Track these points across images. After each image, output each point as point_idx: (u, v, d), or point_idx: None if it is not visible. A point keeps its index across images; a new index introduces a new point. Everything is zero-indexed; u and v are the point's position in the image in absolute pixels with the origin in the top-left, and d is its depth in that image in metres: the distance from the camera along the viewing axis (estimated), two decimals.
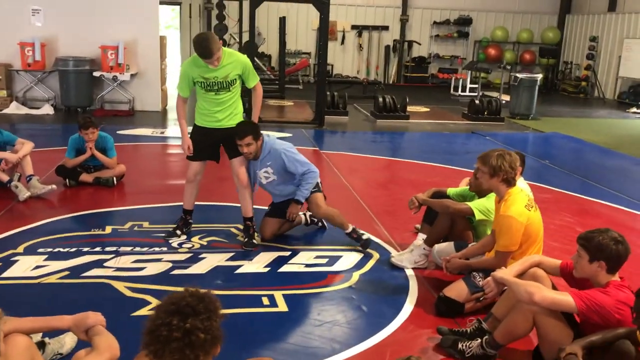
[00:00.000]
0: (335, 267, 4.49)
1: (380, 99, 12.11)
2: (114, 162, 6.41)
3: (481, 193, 4.43)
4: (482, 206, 4.31)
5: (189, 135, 4.86)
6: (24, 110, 11.07)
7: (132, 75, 11.42)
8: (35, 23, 11.19)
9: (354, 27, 19.80)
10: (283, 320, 3.68)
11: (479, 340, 3.26)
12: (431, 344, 3.47)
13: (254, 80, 4.74)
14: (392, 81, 19.90)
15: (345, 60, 19.96)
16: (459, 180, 7.16)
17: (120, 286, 4.02)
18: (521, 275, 3.31)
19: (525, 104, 12.84)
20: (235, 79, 4.63)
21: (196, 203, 5.19)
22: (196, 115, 4.84)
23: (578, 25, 19.47)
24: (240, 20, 15.41)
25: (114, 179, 6.33)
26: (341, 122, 11.65)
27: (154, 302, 3.78)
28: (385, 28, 19.84)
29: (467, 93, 16.90)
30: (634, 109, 15.18)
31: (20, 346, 2.34)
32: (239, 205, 5.56)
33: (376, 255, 4.74)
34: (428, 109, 13.71)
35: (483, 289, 3.75)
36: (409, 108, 12.48)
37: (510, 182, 3.77)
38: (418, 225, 5.36)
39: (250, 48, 12.92)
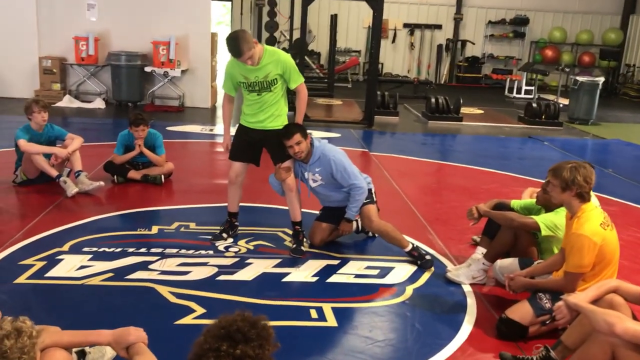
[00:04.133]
0: (387, 280, 4.25)
1: (433, 100, 11.77)
2: (163, 160, 6.32)
3: (549, 207, 4.12)
4: (549, 221, 3.99)
5: (233, 135, 4.72)
6: (77, 104, 11.19)
7: (182, 72, 11.40)
8: (90, 18, 11.28)
9: (405, 25, 19.42)
10: (332, 336, 3.46)
11: None
12: None
13: (297, 81, 4.53)
14: (443, 81, 19.47)
15: (395, 59, 19.61)
16: (516, 188, 6.88)
17: (164, 291, 3.88)
18: (596, 301, 3.01)
19: (585, 108, 12.29)
20: (276, 79, 4.44)
21: (243, 204, 5.06)
22: (241, 115, 4.69)
23: None
24: (291, 17, 15.28)
25: (162, 176, 6.24)
26: (391, 123, 11.38)
27: (199, 309, 3.65)
28: (439, 27, 19.39)
29: (523, 95, 16.35)
30: None
31: None
32: (286, 208, 5.43)
33: (431, 269, 4.47)
34: (482, 111, 13.28)
35: (549, 311, 3.48)
36: (462, 109, 12.09)
37: (584, 197, 3.46)
38: (476, 237, 5.09)
39: (300, 45, 12.79)
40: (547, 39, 19.33)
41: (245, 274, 4.20)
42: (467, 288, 4.19)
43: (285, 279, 4.18)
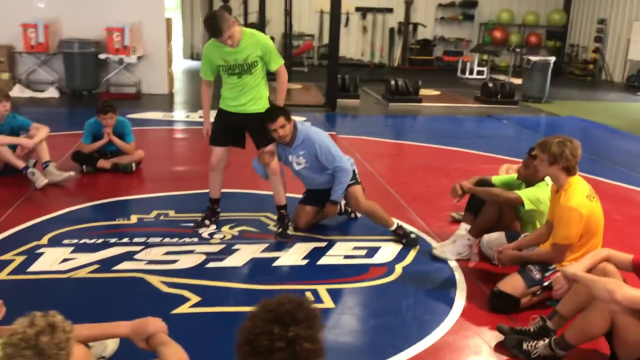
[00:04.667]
0: (376, 259, 4.29)
1: (392, 82, 11.86)
2: (133, 148, 6.17)
3: (530, 182, 4.23)
4: (532, 195, 4.10)
5: (213, 121, 4.66)
6: (28, 94, 10.78)
7: (138, 58, 11.11)
8: (37, 4, 10.84)
9: (358, 9, 19.43)
10: (331, 318, 3.48)
11: (546, 340, 3.08)
12: (491, 342, 3.28)
13: (276, 63, 4.49)
14: (397, 64, 19.62)
15: (349, 43, 19.58)
16: (483, 165, 7.03)
17: (154, 281, 3.81)
18: (590, 270, 3.12)
19: (538, 87, 12.62)
20: (257, 61, 4.39)
21: (223, 190, 4.99)
22: (220, 99, 4.62)
23: (585, 8, 19.19)
24: (245, 1, 15.08)
25: (133, 165, 6.10)
26: (352, 106, 11.41)
27: (193, 298, 3.60)
28: (390, 10, 19.50)
29: (475, 76, 16.65)
30: None
31: (79, 356, 2.12)
32: (266, 192, 5.41)
33: (416, 247, 4.52)
34: (439, 92, 13.47)
35: (540, 282, 3.59)
36: (420, 91, 12.23)
37: (570, 171, 3.56)
38: (454, 214, 5.19)
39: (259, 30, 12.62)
40: (496, 20, 19.71)
41: (235, 260, 4.16)
42: (453, 264, 4.27)
43: (276, 264, 4.17)
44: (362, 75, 14.73)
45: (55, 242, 4.31)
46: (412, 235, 4.60)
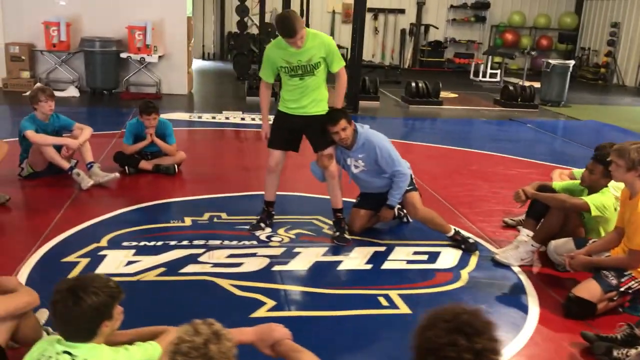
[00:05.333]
0: (439, 265, 4.26)
1: (413, 84, 11.84)
2: (174, 149, 6.13)
3: (595, 188, 4.20)
4: (598, 202, 4.08)
5: (271, 123, 4.63)
6: None
7: (159, 58, 11.06)
8: (59, 2, 10.77)
9: (369, 9, 19.32)
10: (410, 324, 3.42)
11: (638, 348, 3.05)
12: (575, 349, 3.25)
13: (338, 64, 4.47)
14: (407, 65, 19.60)
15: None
16: (520, 170, 7.03)
17: (225, 284, 3.77)
18: None
19: (556, 90, 12.62)
20: (320, 62, 4.36)
21: (282, 193, 4.99)
22: (280, 101, 4.59)
23: (597, 11, 19.21)
24: (261, 1, 15.02)
25: (175, 166, 6.05)
26: (373, 107, 11.38)
27: (268, 302, 3.56)
28: (402, 11, 19.49)
29: (488, 79, 16.65)
30: None
31: None
32: (315, 195, 5.39)
33: (476, 252, 4.49)
34: (456, 95, 13.45)
35: (616, 288, 3.57)
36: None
37: None
38: (507, 219, 5.17)
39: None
40: (507, 23, 19.73)
41: (299, 264, 4.13)
42: (516, 269, 4.24)
43: (340, 267, 4.13)
44: (378, 77, 14.70)
45: (115, 244, 4.26)
46: (471, 241, 4.57)
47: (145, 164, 6.00)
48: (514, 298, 3.85)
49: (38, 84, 5.33)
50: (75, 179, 5.45)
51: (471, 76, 17.21)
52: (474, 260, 4.37)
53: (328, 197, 5.37)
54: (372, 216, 4.79)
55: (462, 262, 4.31)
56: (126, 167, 5.95)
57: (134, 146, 5.99)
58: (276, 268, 4.04)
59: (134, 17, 10.78)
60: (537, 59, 17.52)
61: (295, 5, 17.50)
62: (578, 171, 5.13)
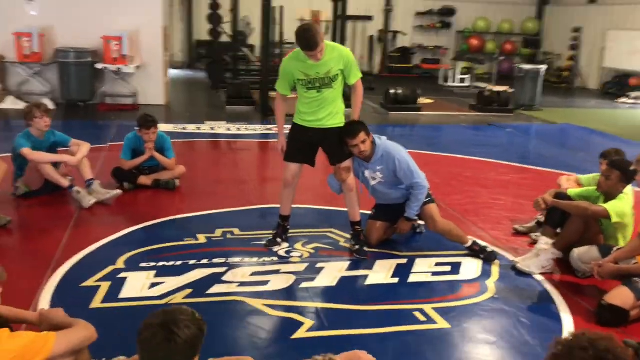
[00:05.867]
0: (463, 276, 4.25)
1: (392, 91, 11.90)
2: (174, 163, 5.98)
3: (611, 194, 4.27)
4: (619, 209, 4.15)
5: (287, 136, 4.56)
6: (22, 106, 10.29)
7: (136, 68, 10.82)
8: (29, 12, 10.44)
9: (338, 17, 19.43)
10: (453, 339, 3.42)
11: None
12: None
13: (356, 77, 4.44)
14: (377, 72, 19.72)
15: None
16: (516, 176, 7.11)
17: (257, 304, 3.67)
18: None
19: (529, 95, 12.89)
20: (338, 75, 4.32)
21: (276, 207, 4.91)
22: (296, 114, 4.52)
23: (558, 17, 19.73)
24: (233, 9, 14.90)
25: (175, 181, 5.90)
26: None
27: (306, 321, 3.49)
28: (369, 18, 19.52)
29: (458, 84, 16.90)
30: (623, 99, 15.48)
31: None
32: (327, 207, 5.35)
33: (495, 261, 4.51)
34: (432, 100, 13.58)
35: None
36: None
37: None
38: (517, 226, 5.21)
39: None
40: (472, 28, 20.07)
41: (326, 280, 4.06)
42: (539, 277, 4.27)
43: (368, 282, 4.09)
44: None
45: (132, 266, 4.12)
46: (489, 250, 4.58)
47: (144, 179, 5.84)
48: (545, 307, 3.87)
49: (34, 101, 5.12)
50: (75, 198, 5.26)
51: (440, 82, 17.43)
52: (495, 270, 4.38)
53: (338, 208, 5.39)
54: (388, 228, 4.76)
55: (485, 272, 4.32)
56: (125, 183, 5.76)
57: (133, 161, 5.82)
58: (304, 285, 3.97)
59: (109, 28, 10.52)
60: (502, 63, 17.92)
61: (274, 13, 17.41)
62: (585, 177, 5.22)
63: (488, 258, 4.51)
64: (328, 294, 3.88)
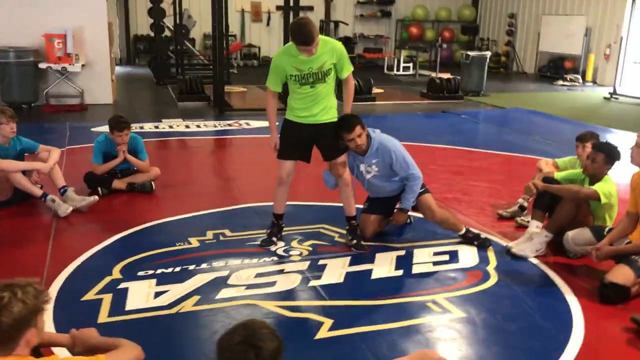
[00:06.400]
0: (463, 264, 4.31)
1: None
2: (148, 165, 5.77)
3: (597, 176, 4.42)
4: (606, 190, 4.30)
5: (280, 132, 4.46)
6: None
7: (82, 66, 10.37)
8: None
9: (279, 7, 19.27)
10: (472, 327, 3.45)
11: None
12: (633, 334, 3.38)
13: (348, 70, 4.40)
14: None
15: (272, 42, 19.47)
16: (485, 161, 7.26)
17: (270, 306, 3.60)
18: None
19: (476, 81, 13.20)
20: (331, 69, 4.26)
21: (266, 204, 4.85)
22: (288, 110, 4.43)
23: (493, 3, 20.28)
24: (174, 2, 14.51)
25: (152, 183, 5.69)
26: None
27: (325, 320, 3.44)
28: (310, 8, 19.52)
29: (402, 72, 17.12)
30: (561, 82, 16.10)
31: None
32: (313, 203, 5.31)
33: (489, 246, 4.59)
34: (382, 90, 13.69)
35: None
36: None
37: None
38: (501, 212, 5.32)
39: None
40: (412, 17, 20.35)
41: (332, 277, 4.02)
42: (534, 261, 4.37)
43: (374, 276, 4.07)
44: None
45: (130, 275, 3.94)
46: (482, 236, 4.66)
47: (118, 184, 5.60)
48: (548, 290, 3.96)
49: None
50: (50, 206, 4.99)
51: (385, 70, 17.60)
52: (491, 255, 4.46)
53: (324, 203, 5.37)
54: (382, 220, 4.76)
55: (483, 259, 4.38)
56: (99, 189, 5.51)
57: (105, 165, 5.58)
58: (312, 283, 3.91)
59: (51, 25, 10.04)
60: (441, 51, 18.25)
61: (205, 5, 17.10)
62: (561, 160, 5.39)
63: (482, 244, 4.59)
64: (338, 290, 3.83)
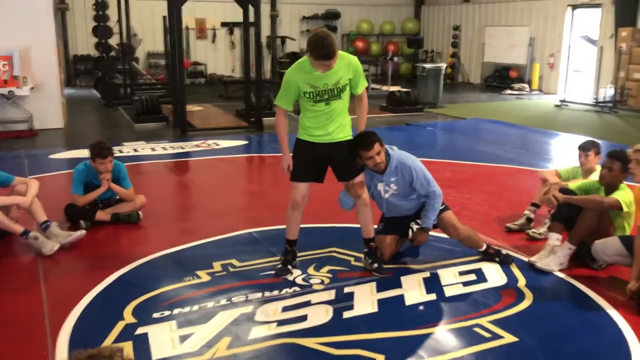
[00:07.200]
0: (493, 283, 4.13)
1: None
2: (133, 193, 5.34)
3: (613, 185, 4.36)
4: (626, 198, 4.24)
5: (293, 153, 4.19)
6: None
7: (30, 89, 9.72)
8: None
9: (224, 24, 18.98)
10: (530, 352, 3.26)
11: None
12: None
13: (363, 85, 4.20)
14: (266, 78, 19.42)
15: (217, 59, 19.09)
16: (469, 172, 7.18)
17: (312, 344, 3.30)
18: None
19: (432, 93, 13.27)
20: (346, 85, 4.04)
21: (271, 228, 4.65)
22: (300, 130, 4.17)
23: (435, 16, 20.63)
24: (119, 20, 13.95)
25: (138, 213, 5.27)
26: (271, 124, 11.01)
27: (377, 356, 3.19)
28: (256, 24, 19.23)
29: None
30: (509, 91, 16.45)
31: None
32: (314, 225, 5.06)
33: (512, 263, 4.44)
34: None
35: None
36: None
37: None
38: (509, 225, 5.21)
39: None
40: (357, 31, 20.41)
41: (365, 306, 3.75)
42: (560, 275, 4.26)
43: (409, 303, 3.83)
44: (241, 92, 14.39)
45: (145, 319, 3.55)
46: (504, 252, 4.52)
47: (102, 215, 5.15)
48: (586, 305, 3.84)
49: None
50: (33, 244, 4.50)
51: None
52: (517, 272, 4.31)
53: (326, 225, 5.16)
54: (398, 241, 4.54)
55: (511, 277, 4.23)
56: (81, 222, 5.05)
57: (88, 196, 5.13)
58: (347, 315, 3.64)
59: None
60: (385, 64, 18.39)
61: (157, 22, 16.61)
62: (564, 170, 5.33)
63: (504, 260, 4.44)
64: (377, 321, 3.57)
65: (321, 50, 3.71)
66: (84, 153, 8.07)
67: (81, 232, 4.70)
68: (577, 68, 16.79)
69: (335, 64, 3.90)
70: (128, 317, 3.57)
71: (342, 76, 3.96)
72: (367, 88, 4.34)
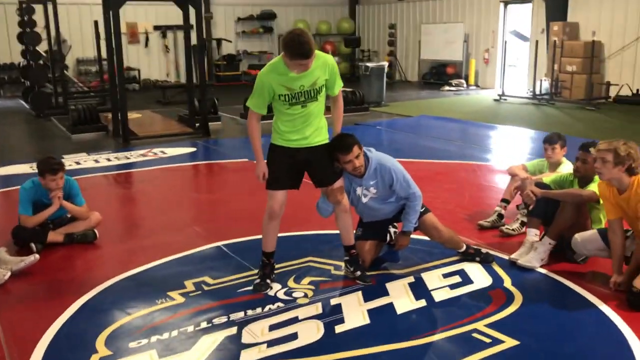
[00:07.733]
0: (479, 284, 4.02)
1: None
2: (87, 210, 4.95)
3: (588, 177, 4.35)
4: (600, 191, 4.23)
5: (267, 160, 3.95)
6: None
7: None
8: None
9: (156, 27, 18.39)
10: (534, 355, 3.16)
11: None
12: None
13: (339, 86, 4.02)
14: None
15: (151, 64, 18.47)
16: (426, 170, 7.14)
17: None
18: None
19: (376, 92, 13.26)
20: (323, 86, 3.85)
21: (241, 240, 4.43)
22: (274, 134, 3.93)
23: (370, 15, 20.72)
24: (47, 26, 13.22)
25: (94, 231, 4.89)
26: (216, 129, 10.73)
27: None
28: (190, 27, 18.73)
29: None
30: (447, 87, 16.68)
31: None
32: (284, 234, 4.81)
33: (493, 261, 4.37)
34: None
35: None
36: None
37: (632, 171, 3.77)
38: (481, 222, 5.16)
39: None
40: None
41: (355, 319, 3.56)
42: (542, 270, 4.22)
43: (400, 311, 3.66)
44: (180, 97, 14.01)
45: (121, 350, 3.24)
46: (484, 251, 4.44)
47: (54, 236, 4.75)
48: (577, 301, 3.79)
49: None
50: None
51: None
52: (500, 271, 4.24)
53: (294, 233, 4.95)
54: (377, 246, 4.38)
55: (496, 277, 4.14)
56: (32, 245, 4.62)
57: (38, 216, 4.70)
58: (339, 329, 3.44)
59: None
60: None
61: (86, 27, 15.83)
62: (530, 164, 5.32)
63: (485, 260, 4.36)
64: (371, 333, 3.39)
65: (298, 48, 3.50)
66: (20, 169, 7.65)
67: (35, 257, 4.29)
68: (510, 63, 17.22)
69: (312, 64, 3.69)
70: (101, 349, 3.25)
71: (319, 77, 3.76)
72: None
